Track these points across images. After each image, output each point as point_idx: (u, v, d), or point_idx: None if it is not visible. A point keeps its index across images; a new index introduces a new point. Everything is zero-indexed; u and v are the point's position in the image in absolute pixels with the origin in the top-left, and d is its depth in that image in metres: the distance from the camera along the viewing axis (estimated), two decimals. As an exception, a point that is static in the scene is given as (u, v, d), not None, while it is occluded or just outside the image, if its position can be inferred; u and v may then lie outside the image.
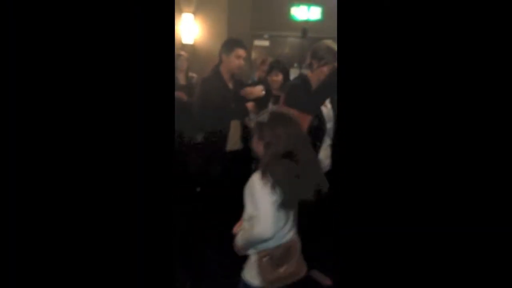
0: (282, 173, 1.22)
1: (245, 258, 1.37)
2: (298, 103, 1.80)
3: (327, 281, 1.98)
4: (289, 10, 4.91)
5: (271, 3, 4.84)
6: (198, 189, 2.64)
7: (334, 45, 1.87)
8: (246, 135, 2.37)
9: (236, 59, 2.33)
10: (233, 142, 2.40)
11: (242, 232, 1.33)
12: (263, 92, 2.38)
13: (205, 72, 2.51)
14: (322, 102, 1.93)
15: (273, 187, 1.21)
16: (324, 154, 1.93)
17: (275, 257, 1.30)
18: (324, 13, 4.83)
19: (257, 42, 4.91)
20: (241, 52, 2.33)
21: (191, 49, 4.41)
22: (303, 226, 1.41)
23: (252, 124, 1.35)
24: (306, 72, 2.05)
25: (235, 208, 1.39)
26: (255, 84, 2.72)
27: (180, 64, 3.65)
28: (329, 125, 1.95)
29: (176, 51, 4.15)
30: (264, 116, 1.28)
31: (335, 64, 1.81)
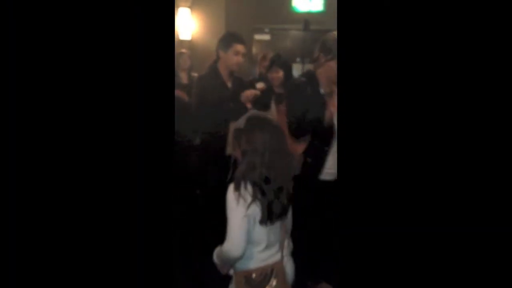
0: (257, 185, 1.11)
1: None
2: (303, 104, 1.62)
3: None
4: (290, 2, 4.71)
5: (271, -6, 4.65)
6: (198, 192, 2.61)
7: None
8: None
9: (235, 56, 2.14)
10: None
11: (217, 249, 1.23)
12: (260, 86, 2.18)
13: (203, 70, 2.33)
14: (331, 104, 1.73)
15: (247, 200, 1.10)
16: (333, 160, 1.70)
17: (252, 279, 1.18)
18: (326, 4, 4.65)
19: (258, 37, 4.71)
20: (239, 47, 2.14)
21: (189, 46, 4.22)
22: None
23: (231, 131, 1.24)
24: (312, 67, 1.87)
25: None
26: (255, 81, 2.53)
27: (182, 62, 3.50)
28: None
29: (177, 49, 4.04)
30: (240, 122, 1.16)
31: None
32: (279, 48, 4.43)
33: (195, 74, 3.17)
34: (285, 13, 4.69)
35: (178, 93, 3.33)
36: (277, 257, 1.21)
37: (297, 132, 1.71)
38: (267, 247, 1.19)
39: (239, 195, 1.10)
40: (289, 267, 1.26)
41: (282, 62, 2.43)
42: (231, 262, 1.19)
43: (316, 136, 1.72)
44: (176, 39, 4.36)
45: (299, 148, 2.05)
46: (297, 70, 4.00)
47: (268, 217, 1.14)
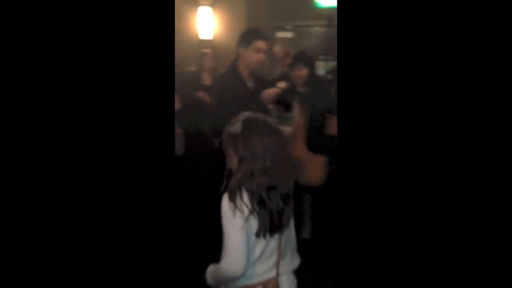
0: (255, 194, 1.02)
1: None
2: (328, 104, 1.52)
3: None
4: (312, -3, 4.58)
5: (293, -10, 4.52)
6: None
7: None
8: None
9: (256, 53, 2.04)
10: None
11: (212, 268, 1.13)
12: (282, 86, 2.08)
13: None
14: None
15: (244, 211, 1.01)
16: None
17: None
18: (351, -1, 4.46)
19: (279, 34, 4.59)
20: (261, 44, 2.04)
21: (210, 45, 4.17)
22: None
23: (225, 136, 1.08)
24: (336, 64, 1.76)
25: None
26: (277, 80, 2.44)
27: (205, 62, 3.45)
28: None
29: (198, 49, 4.01)
30: (236, 126, 1.06)
31: None
32: (301, 46, 4.31)
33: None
34: (307, 9, 4.55)
35: (200, 94, 3.29)
36: (271, 273, 1.10)
37: (314, 145, 1.59)
38: (260, 261, 1.08)
39: (235, 206, 1.01)
40: (286, 286, 1.13)
41: (306, 59, 2.32)
42: (230, 281, 1.08)
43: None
44: (197, 39, 4.34)
45: (316, 160, 1.94)
46: (320, 68, 3.87)
47: (267, 229, 1.04)
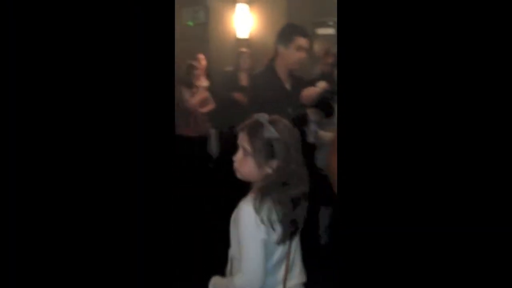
0: (282, 204, 0.99)
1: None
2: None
3: None
4: (356, -9, 4.28)
5: (335, -16, 4.25)
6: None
7: None
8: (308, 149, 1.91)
9: (297, 51, 1.86)
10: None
11: (217, 279, 1.09)
12: (323, 86, 1.89)
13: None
14: None
15: (266, 223, 0.97)
16: None
17: None
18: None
19: (320, 31, 4.34)
20: (302, 41, 1.85)
21: (248, 44, 4.03)
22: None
23: (256, 141, 1.01)
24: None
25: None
26: (317, 80, 2.24)
27: (242, 62, 3.36)
28: None
29: (235, 48, 3.90)
30: (271, 130, 1.00)
31: None
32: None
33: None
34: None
35: (237, 96, 3.19)
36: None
37: None
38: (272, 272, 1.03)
39: (260, 218, 0.96)
40: None
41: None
42: None
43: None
44: (233, 38, 4.21)
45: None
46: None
47: (286, 240, 1.01)
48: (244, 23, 4.16)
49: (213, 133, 3.64)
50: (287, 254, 1.05)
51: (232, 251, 1.07)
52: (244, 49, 3.51)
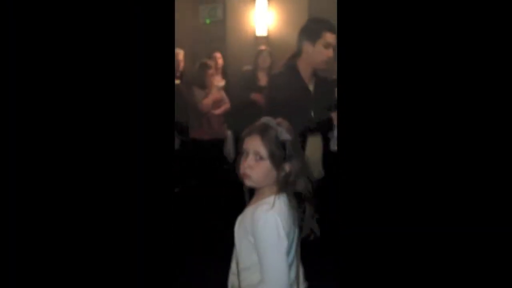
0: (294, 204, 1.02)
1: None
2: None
3: None
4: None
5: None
6: (177, 190, 2.68)
7: None
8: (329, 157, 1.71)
9: (324, 49, 1.65)
10: (313, 165, 1.75)
11: None
12: None
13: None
14: None
15: (285, 228, 0.97)
16: None
17: None
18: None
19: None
20: (331, 37, 1.65)
21: (267, 42, 3.84)
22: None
23: (260, 146, 1.01)
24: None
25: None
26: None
27: (261, 61, 3.19)
28: None
29: (253, 46, 3.73)
30: (284, 133, 1.02)
31: None
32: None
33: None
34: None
35: (254, 96, 3.01)
36: None
37: None
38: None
39: (281, 224, 0.96)
40: None
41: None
42: None
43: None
44: (252, 36, 4.03)
45: None
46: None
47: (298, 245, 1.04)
48: (263, 19, 3.97)
49: (229, 135, 3.47)
50: (297, 255, 1.06)
51: (244, 263, 1.04)
52: (263, 47, 3.33)
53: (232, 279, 1.09)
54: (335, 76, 2.33)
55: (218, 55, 3.57)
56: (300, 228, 1.04)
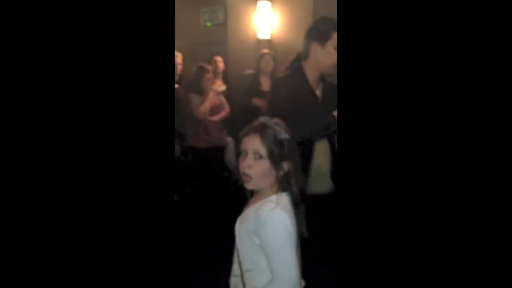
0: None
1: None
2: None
3: None
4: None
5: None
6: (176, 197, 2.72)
7: None
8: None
9: (335, 51, 1.51)
10: (319, 179, 1.60)
11: None
12: None
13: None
14: None
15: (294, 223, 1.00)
16: None
17: None
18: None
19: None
20: None
21: (270, 45, 3.70)
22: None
23: (259, 145, 1.02)
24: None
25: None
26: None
27: (264, 64, 3.06)
28: None
29: (256, 49, 3.61)
30: (283, 132, 1.04)
31: None
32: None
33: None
34: None
35: (257, 101, 2.87)
36: None
37: None
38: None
39: (289, 221, 0.97)
40: None
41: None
42: None
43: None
44: (254, 39, 3.90)
45: None
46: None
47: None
48: (265, 22, 3.83)
49: (230, 142, 3.32)
50: (297, 253, 1.06)
51: (248, 264, 1.04)
52: (265, 51, 3.19)
53: (234, 281, 1.08)
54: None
55: (218, 58, 3.44)
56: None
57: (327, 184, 1.62)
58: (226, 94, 3.18)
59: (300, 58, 1.63)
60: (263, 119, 1.06)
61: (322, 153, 1.60)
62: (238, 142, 1.10)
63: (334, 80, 1.74)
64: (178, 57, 3.39)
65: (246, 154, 1.03)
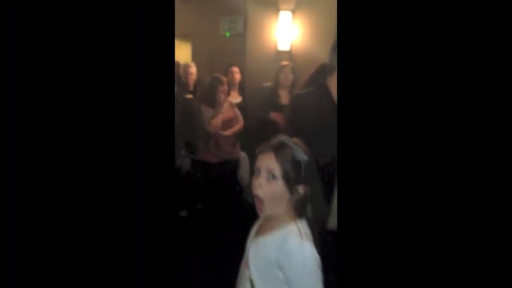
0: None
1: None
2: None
3: None
4: None
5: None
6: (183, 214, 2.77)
7: None
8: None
9: None
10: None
11: None
12: None
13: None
14: None
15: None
16: None
17: None
18: None
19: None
20: None
21: (290, 57, 3.56)
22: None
23: (274, 164, 0.95)
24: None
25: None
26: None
27: (283, 77, 2.91)
28: None
29: (275, 61, 3.47)
30: (301, 152, 0.96)
31: None
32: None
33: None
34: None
35: (274, 116, 2.71)
36: None
37: None
38: None
39: (317, 256, 0.93)
40: None
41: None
42: None
43: None
44: (274, 50, 3.77)
45: None
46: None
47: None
48: (286, 33, 3.69)
49: (243, 157, 3.16)
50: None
51: None
52: (285, 63, 3.03)
53: None
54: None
55: (235, 69, 3.30)
56: None
57: None
58: (241, 106, 3.03)
59: (323, 72, 1.47)
60: (282, 137, 1.00)
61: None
62: (253, 159, 1.02)
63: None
64: (192, 67, 3.28)
65: (259, 172, 0.97)
